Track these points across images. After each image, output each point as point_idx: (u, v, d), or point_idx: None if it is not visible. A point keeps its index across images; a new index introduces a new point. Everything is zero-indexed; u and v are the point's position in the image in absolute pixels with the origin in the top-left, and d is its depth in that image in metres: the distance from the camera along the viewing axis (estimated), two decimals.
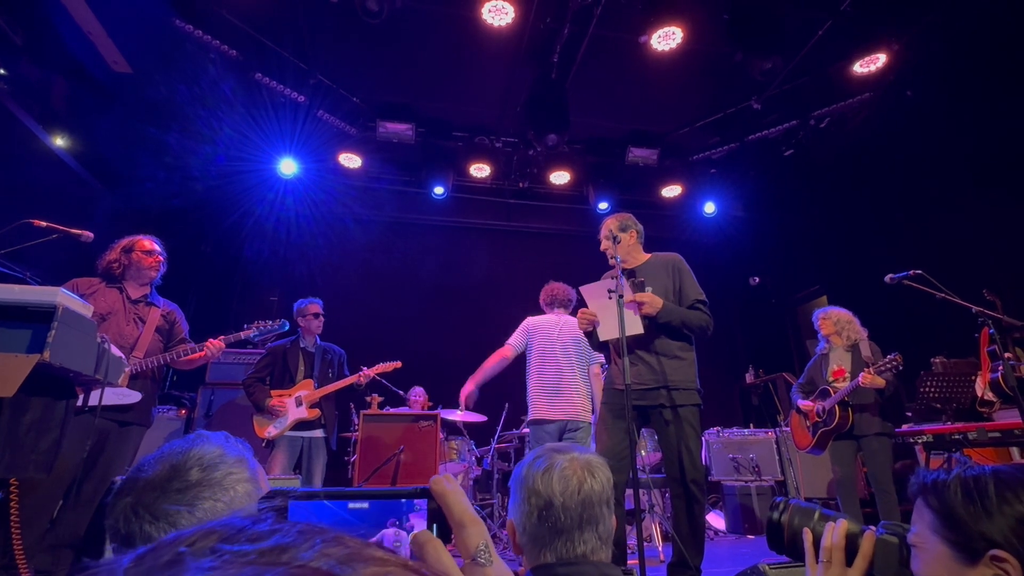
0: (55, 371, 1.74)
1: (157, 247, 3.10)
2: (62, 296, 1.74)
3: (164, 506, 0.80)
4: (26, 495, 1.92)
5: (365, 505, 0.50)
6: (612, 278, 2.69)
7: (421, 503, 0.51)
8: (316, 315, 4.06)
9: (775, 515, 1.04)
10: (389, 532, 0.50)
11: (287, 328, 3.50)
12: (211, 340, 3.08)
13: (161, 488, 0.82)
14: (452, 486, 0.49)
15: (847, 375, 3.66)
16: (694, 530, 2.59)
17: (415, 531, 0.46)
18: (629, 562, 2.84)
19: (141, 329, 2.93)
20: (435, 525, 0.48)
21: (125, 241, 3.04)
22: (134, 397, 2.71)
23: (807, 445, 3.81)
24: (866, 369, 3.44)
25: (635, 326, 2.66)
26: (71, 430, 1.90)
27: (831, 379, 3.73)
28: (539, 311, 3.97)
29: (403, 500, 0.50)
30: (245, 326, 3.34)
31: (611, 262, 2.89)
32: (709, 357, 5.33)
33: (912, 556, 0.88)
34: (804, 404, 3.76)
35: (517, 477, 1.08)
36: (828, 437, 3.66)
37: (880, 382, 3.38)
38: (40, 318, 1.70)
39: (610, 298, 2.58)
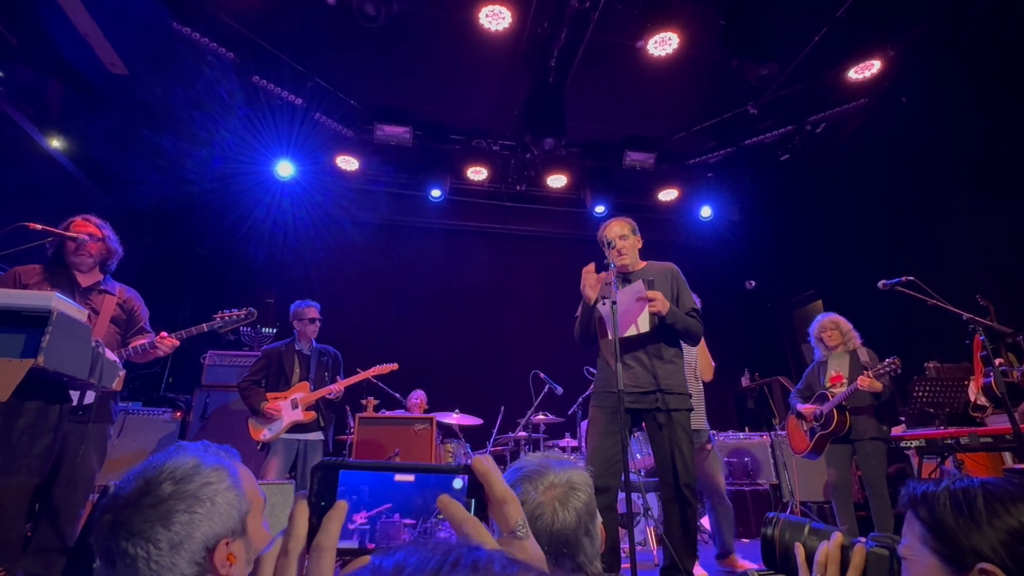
0: (49, 376, 1.74)
1: (93, 227, 2.75)
2: (56, 301, 1.74)
3: (139, 522, 0.81)
4: None
5: (411, 478, 0.53)
6: (606, 284, 2.70)
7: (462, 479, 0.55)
8: (312, 320, 4.00)
9: (767, 531, 1.04)
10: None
11: (255, 316, 3.18)
12: (163, 336, 2.77)
13: (135, 504, 0.82)
14: (492, 466, 0.53)
15: (845, 380, 3.68)
16: (687, 534, 2.60)
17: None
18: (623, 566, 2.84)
19: (95, 321, 2.67)
20: (473, 500, 0.52)
21: (65, 223, 2.75)
22: (88, 396, 2.50)
23: (804, 449, 3.82)
24: (865, 372, 3.46)
25: (643, 324, 2.68)
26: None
27: (829, 384, 3.76)
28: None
29: (446, 475, 0.54)
30: (212, 317, 3.07)
31: (608, 259, 2.75)
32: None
33: (903, 568, 0.88)
34: (804, 407, 3.78)
35: None
36: (825, 441, 3.67)
37: (878, 386, 3.40)
38: (34, 323, 1.69)
39: (603, 303, 2.58)
